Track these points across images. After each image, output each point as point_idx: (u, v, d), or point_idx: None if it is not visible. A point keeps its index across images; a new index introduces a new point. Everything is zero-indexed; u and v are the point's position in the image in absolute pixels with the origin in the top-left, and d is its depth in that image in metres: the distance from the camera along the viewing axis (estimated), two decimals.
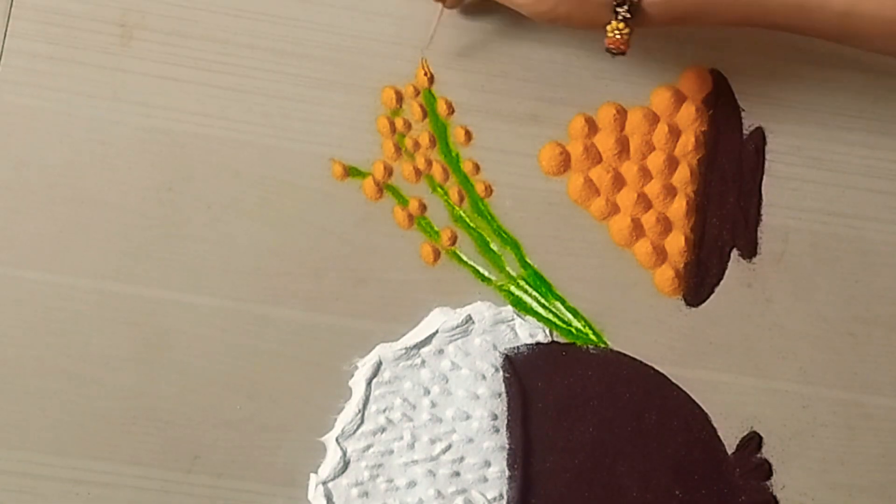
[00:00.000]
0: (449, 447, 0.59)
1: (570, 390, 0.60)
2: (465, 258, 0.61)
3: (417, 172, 0.61)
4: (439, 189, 0.61)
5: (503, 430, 0.59)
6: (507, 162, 0.62)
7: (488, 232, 0.61)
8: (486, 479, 0.59)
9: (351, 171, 0.61)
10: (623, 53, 0.54)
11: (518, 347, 0.60)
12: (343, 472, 0.58)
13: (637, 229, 0.62)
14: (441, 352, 0.60)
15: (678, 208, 0.62)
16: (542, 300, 0.61)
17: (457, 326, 0.60)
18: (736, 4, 0.53)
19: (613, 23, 0.53)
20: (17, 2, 0.60)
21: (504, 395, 0.60)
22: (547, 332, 0.61)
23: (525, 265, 0.61)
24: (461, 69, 0.61)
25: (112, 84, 0.60)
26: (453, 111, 0.62)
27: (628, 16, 0.53)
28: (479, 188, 0.61)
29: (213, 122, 0.60)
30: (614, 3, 0.53)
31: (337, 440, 0.58)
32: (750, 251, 0.63)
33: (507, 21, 0.57)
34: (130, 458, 0.58)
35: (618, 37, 0.53)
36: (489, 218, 0.61)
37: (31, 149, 0.59)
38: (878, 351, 0.63)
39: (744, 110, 0.63)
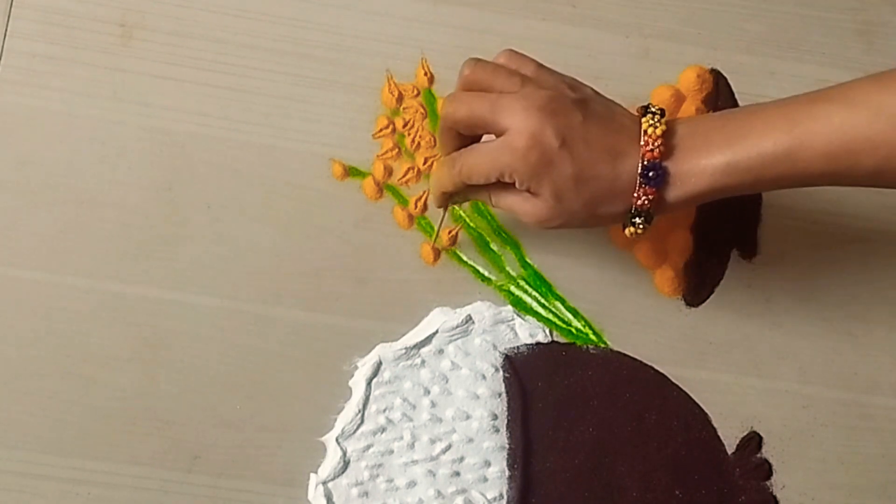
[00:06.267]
0: (449, 447, 0.59)
1: (570, 390, 0.60)
2: (465, 258, 0.61)
3: (417, 172, 0.61)
4: None
5: (503, 430, 0.59)
6: None
7: (488, 232, 0.61)
8: (486, 479, 0.59)
9: (351, 171, 0.61)
10: None
11: (518, 347, 0.60)
12: (343, 472, 0.58)
13: None
14: (441, 352, 0.60)
15: None
16: (542, 300, 0.61)
17: (457, 326, 0.60)
18: (759, 183, 0.51)
19: (630, 228, 0.52)
20: (17, 2, 0.60)
21: (504, 395, 0.60)
22: (547, 332, 0.61)
23: (525, 265, 0.61)
24: None
25: (112, 84, 0.60)
26: None
27: (645, 225, 0.52)
28: None
29: (213, 122, 0.60)
30: (630, 216, 0.52)
31: (337, 440, 0.58)
32: (750, 251, 0.63)
33: (506, 24, 0.57)
34: (130, 458, 0.58)
35: (634, 236, 0.53)
36: (489, 218, 0.61)
37: (31, 149, 0.59)
38: (878, 351, 0.63)
39: None
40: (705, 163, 0.50)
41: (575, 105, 0.51)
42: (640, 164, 0.50)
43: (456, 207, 0.61)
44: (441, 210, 0.57)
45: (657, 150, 0.50)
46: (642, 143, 0.50)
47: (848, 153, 0.49)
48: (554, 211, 0.51)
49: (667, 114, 0.51)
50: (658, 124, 0.50)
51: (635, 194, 0.51)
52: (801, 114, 0.50)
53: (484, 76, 0.51)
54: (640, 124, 0.51)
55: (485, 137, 0.53)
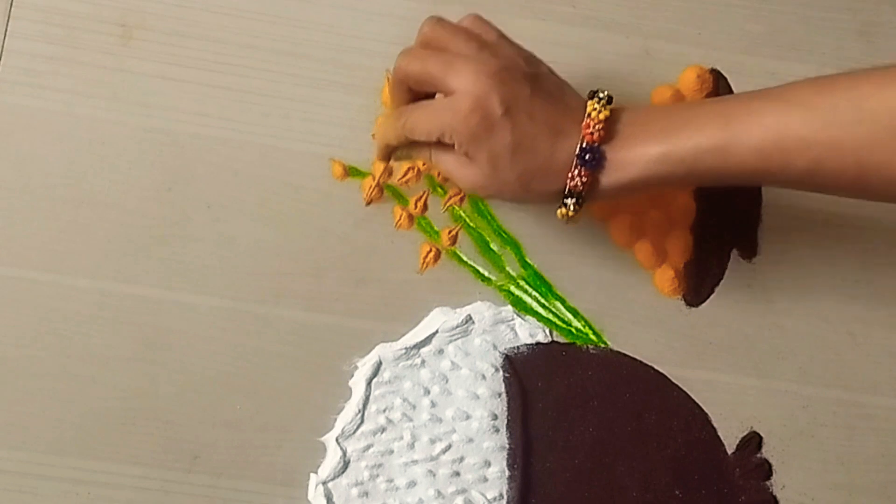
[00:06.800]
0: (449, 447, 0.59)
1: (570, 390, 0.60)
2: (465, 258, 0.61)
3: (417, 172, 0.61)
4: (439, 189, 0.61)
5: (503, 430, 0.59)
6: None
7: (488, 232, 0.61)
8: (486, 479, 0.59)
9: (351, 171, 0.61)
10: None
11: (518, 347, 0.60)
12: (343, 472, 0.58)
13: (637, 229, 0.62)
14: (441, 352, 0.60)
15: (678, 208, 0.62)
16: (542, 300, 0.61)
17: (457, 326, 0.60)
18: (692, 175, 0.51)
19: (562, 209, 0.52)
20: (17, 2, 0.60)
21: (504, 395, 0.60)
22: (547, 332, 0.61)
23: (525, 265, 0.61)
24: None
25: (112, 84, 0.60)
26: None
27: (576, 208, 0.52)
28: None
29: (213, 122, 0.60)
30: (563, 196, 0.52)
31: (337, 440, 0.58)
32: (750, 251, 0.63)
33: (506, 24, 0.57)
34: (130, 458, 0.58)
35: (566, 218, 0.53)
36: (489, 218, 0.61)
37: (31, 149, 0.59)
38: (878, 351, 0.63)
39: None
40: (641, 151, 0.51)
41: (526, 78, 0.51)
42: (578, 146, 0.51)
43: (456, 207, 0.61)
44: (382, 163, 0.58)
45: (597, 133, 0.51)
46: (584, 125, 0.51)
47: (780, 151, 0.50)
48: (488, 179, 0.51)
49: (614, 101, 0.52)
50: (602, 109, 0.51)
51: (570, 175, 0.51)
52: (738, 110, 0.50)
53: (442, 35, 0.52)
54: (586, 107, 0.51)
55: (438, 97, 0.53)
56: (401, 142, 0.54)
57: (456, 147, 0.51)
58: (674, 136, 0.50)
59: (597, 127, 0.51)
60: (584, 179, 0.51)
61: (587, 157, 0.51)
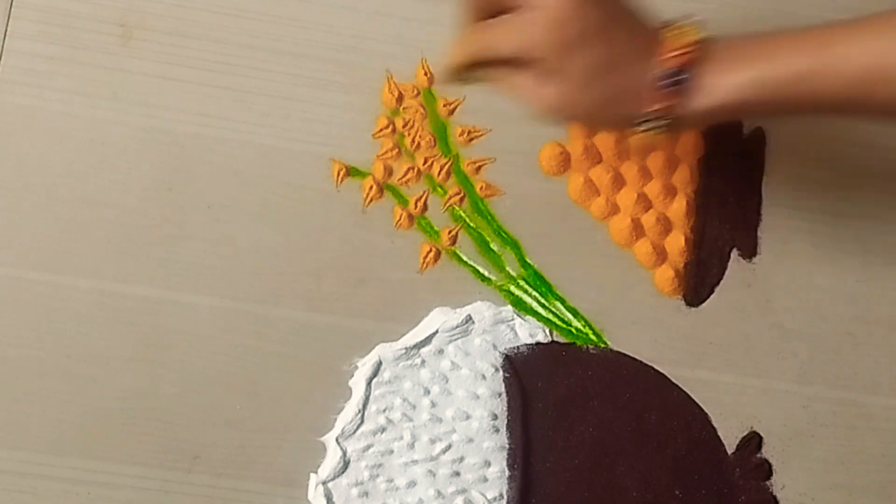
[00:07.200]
0: (449, 447, 0.59)
1: (570, 390, 0.60)
2: (465, 258, 0.61)
3: (417, 172, 0.61)
4: (439, 189, 0.61)
5: (503, 430, 0.59)
6: (507, 162, 0.62)
7: (488, 232, 0.61)
8: (486, 479, 0.59)
9: (351, 171, 0.61)
10: None
11: (518, 347, 0.60)
12: (343, 472, 0.58)
13: (637, 229, 0.62)
14: (441, 352, 0.60)
15: (678, 208, 0.62)
16: (542, 300, 0.61)
17: (457, 326, 0.60)
18: (779, 102, 0.49)
19: (641, 132, 0.50)
20: (17, 2, 0.60)
21: (504, 395, 0.60)
22: (547, 332, 0.61)
23: (525, 265, 0.61)
24: None
25: (112, 84, 0.60)
26: (453, 111, 0.62)
27: (660, 131, 0.50)
28: (479, 188, 0.61)
29: (213, 122, 0.60)
30: (646, 119, 0.50)
31: (337, 440, 0.58)
32: (750, 251, 0.63)
33: None
34: (130, 458, 0.58)
35: (646, 139, 0.51)
36: (489, 218, 0.61)
37: (31, 149, 0.59)
38: (878, 351, 0.63)
39: None
40: (732, 76, 0.49)
41: None
42: (669, 68, 0.49)
43: (456, 207, 0.61)
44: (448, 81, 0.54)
45: (688, 56, 0.49)
46: (677, 46, 0.49)
47: (871, 82, 0.48)
48: (567, 97, 0.49)
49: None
50: (695, 32, 0.49)
51: (659, 96, 0.49)
52: (830, 38, 0.49)
53: None
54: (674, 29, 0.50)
55: (517, 12, 0.49)
56: (477, 59, 0.50)
57: (539, 64, 0.48)
58: (766, 62, 0.49)
59: (689, 49, 0.49)
60: (672, 103, 0.49)
61: (676, 79, 0.49)
